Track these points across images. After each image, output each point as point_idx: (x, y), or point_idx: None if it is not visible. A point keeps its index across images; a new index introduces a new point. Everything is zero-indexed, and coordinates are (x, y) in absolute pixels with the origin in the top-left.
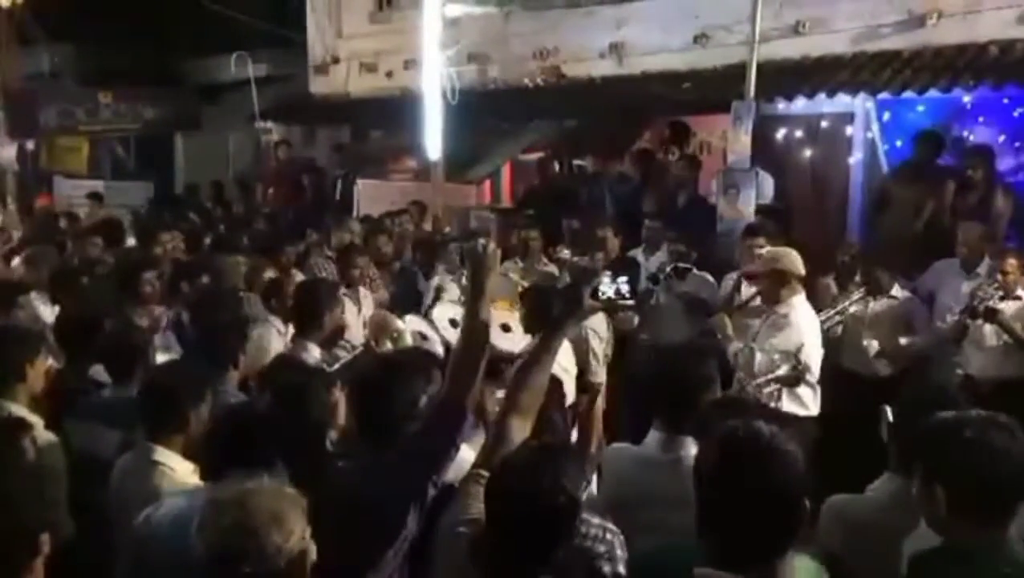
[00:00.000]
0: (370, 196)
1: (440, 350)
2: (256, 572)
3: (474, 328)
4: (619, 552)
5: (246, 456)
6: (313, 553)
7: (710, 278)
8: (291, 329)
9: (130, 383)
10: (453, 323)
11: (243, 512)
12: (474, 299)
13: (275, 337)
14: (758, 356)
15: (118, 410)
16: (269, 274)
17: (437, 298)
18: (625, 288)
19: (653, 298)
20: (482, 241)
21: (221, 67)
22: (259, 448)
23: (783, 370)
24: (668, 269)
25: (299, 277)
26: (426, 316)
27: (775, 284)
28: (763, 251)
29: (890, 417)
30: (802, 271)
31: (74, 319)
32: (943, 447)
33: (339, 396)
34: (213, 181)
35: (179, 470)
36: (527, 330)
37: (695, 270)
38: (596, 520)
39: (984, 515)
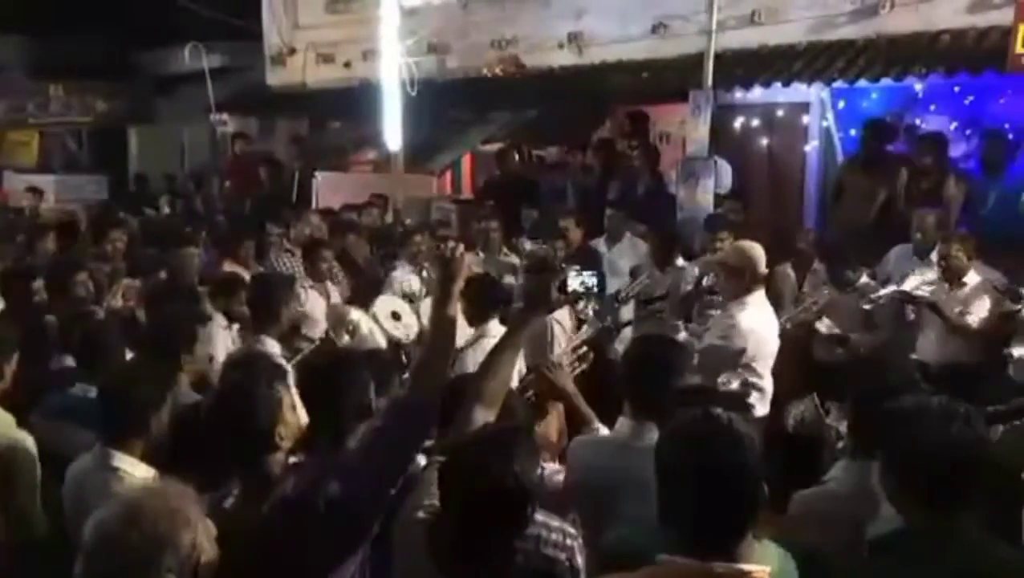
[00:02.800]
0: (330, 188)
1: (383, 343)
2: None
3: (440, 332)
4: (579, 558)
5: (196, 460)
6: (212, 538)
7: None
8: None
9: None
10: (395, 316)
11: (141, 522)
12: (441, 302)
13: (219, 333)
14: (696, 356)
15: (87, 408)
16: (225, 268)
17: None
18: (592, 281)
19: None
20: (451, 245)
21: (175, 58)
22: (207, 451)
23: (734, 385)
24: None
25: (259, 271)
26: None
27: (731, 281)
28: (724, 244)
29: (816, 405)
30: (762, 269)
31: (24, 315)
32: (899, 435)
33: (285, 391)
34: (166, 174)
35: (138, 476)
36: (469, 321)
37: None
38: (555, 523)
39: (940, 501)
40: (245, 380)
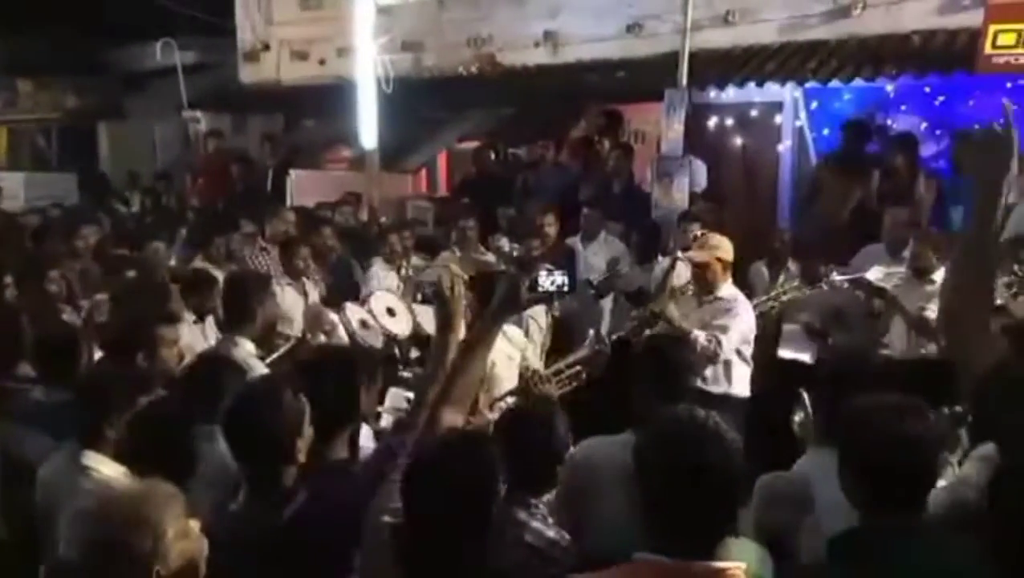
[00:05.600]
0: (304, 186)
1: (380, 340)
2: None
3: (441, 363)
4: (562, 547)
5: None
6: (203, 548)
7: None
8: (210, 321)
9: (62, 385)
10: (390, 312)
11: (108, 521)
12: (443, 334)
13: (185, 331)
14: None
15: (50, 414)
16: (196, 265)
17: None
18: (563, 280)
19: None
20: (446, 280)
21: (146, 54)
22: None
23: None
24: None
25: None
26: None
27: (719, 271)
28: (700, 237)
29: (807, 403)
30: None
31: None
32: (855, 434)
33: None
34: (130, 171)
35: (106, 473)
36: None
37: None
38: (538, 512)
39: (893, 498)
40: (272, 388)
